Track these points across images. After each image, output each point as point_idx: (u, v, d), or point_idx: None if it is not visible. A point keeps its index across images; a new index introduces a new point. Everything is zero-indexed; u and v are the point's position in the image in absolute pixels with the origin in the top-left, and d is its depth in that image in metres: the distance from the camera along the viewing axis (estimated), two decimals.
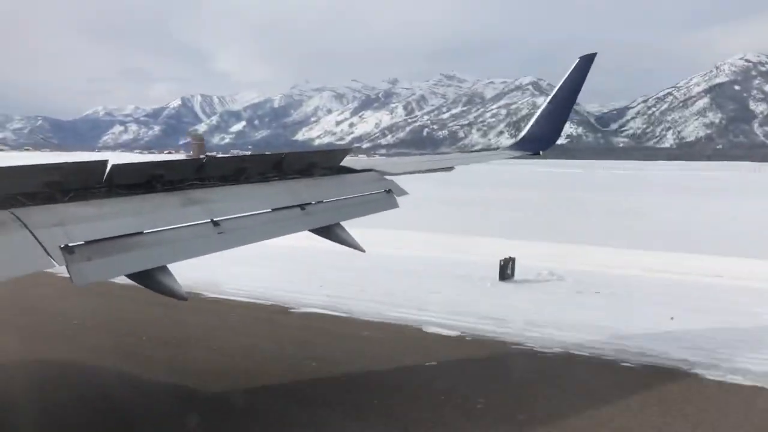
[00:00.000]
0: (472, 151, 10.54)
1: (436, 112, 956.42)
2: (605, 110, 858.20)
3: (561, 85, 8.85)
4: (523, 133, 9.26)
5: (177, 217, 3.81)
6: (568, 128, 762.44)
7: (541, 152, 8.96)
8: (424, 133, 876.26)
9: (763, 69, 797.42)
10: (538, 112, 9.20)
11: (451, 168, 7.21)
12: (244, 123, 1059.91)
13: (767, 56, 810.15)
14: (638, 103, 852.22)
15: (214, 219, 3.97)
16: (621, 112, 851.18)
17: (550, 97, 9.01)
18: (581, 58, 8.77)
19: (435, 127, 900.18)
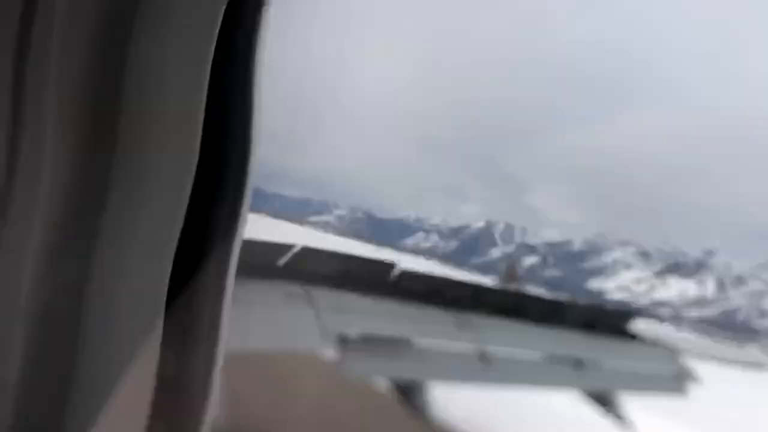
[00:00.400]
0: None
1: (757, 297, 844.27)
2: None
3: None
4: None
5: (448, 336, 3.82)
6: None
7: None
8: (740, 318, 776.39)
9: None
10: None
11: (763, 365, 6.15)
12: (537, 258, 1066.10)
13: None
14: None
15: (484, 350, 3.89)
16: None
17: None
18: None
19: (754, 313, 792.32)
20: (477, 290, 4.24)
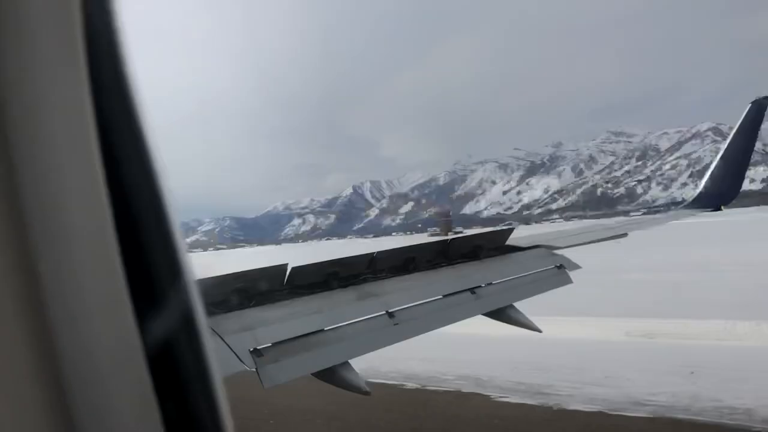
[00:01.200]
0: (647, 215, 9.93)
1: (607, 171, 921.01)
2: None
3: (734, 135, 8.19)
4: (699, 189, 8.62)
5: (354, 311, 3.98)
6: (762, 172, 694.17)
7: (722, 207, 8.26)
8: (598, 193, 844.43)
9: None
10: (713, 165, 8.55)
11: (624, 235, 6.85)
12: (412, 203, 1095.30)
13: None
14: None
15: (389, 311, 4.09)
16: None
17: (723, 149, 8.35)
18: (752, 103, 8.08)
19: (609, 185, 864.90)
20: (365, 259, 4.40)
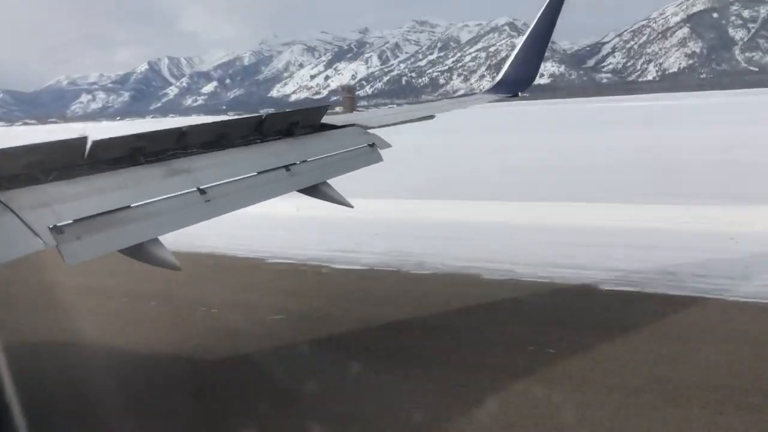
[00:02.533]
0: (452, 98, 10.58)
1: (412, 60, 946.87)
2: (577, 47, 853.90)
3: (535, 24, 8.89)
4: (500, 76, 9.35)
5: (163, 188, 3.85)
6: (550, 67, 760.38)
7: (519, 93, 9.09)
8: (403, 82, 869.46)
9: None
10: (514, 53, 9.27)
11: (431, 116, 7.26)
12: (215, 83, 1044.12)
13: None
14: (612, 38, 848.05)
15: (200, 187, 4.01)
16: (594, 48, 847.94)
17: (524, 37, 9.07)
18: None
19: (413, 75, 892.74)
20: (174, 133, 4.21)
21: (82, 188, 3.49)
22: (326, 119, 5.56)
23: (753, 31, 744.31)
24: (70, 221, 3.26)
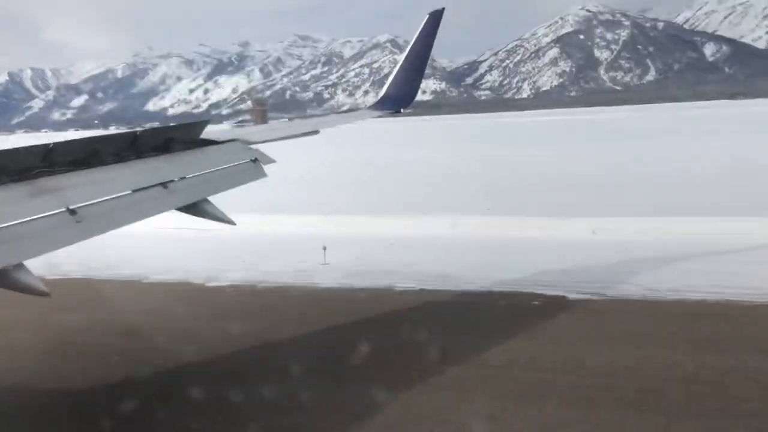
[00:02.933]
0: (336, 113, 10.83)
1: (295, 74, 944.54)
2: (455, 65, 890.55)
3: (413, 43, 9.26)
4: (382, 93, 9.64)
5: (28, 208, 3.62)
6: (432, 84, 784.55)
7: (402, 110, 9.41)
8: (287, 96, 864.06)
9: (603, 18, 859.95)
10: (395, 71, 9.59)
11: (316, 132, 7.31)
12: (86, 96, 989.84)
13: (604, 6, 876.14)
14: (488, 57, 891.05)
15: (70, 207, 3.81)
16: (472, 66, 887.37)
17: (404, 56, 9.43)
18: (430, 14, 9.19)
19: (297, 89, 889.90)
20: (40, 150, 3.98)
21: None
22: (207, 134, 5.46)
23: (615, 52, 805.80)
24: None
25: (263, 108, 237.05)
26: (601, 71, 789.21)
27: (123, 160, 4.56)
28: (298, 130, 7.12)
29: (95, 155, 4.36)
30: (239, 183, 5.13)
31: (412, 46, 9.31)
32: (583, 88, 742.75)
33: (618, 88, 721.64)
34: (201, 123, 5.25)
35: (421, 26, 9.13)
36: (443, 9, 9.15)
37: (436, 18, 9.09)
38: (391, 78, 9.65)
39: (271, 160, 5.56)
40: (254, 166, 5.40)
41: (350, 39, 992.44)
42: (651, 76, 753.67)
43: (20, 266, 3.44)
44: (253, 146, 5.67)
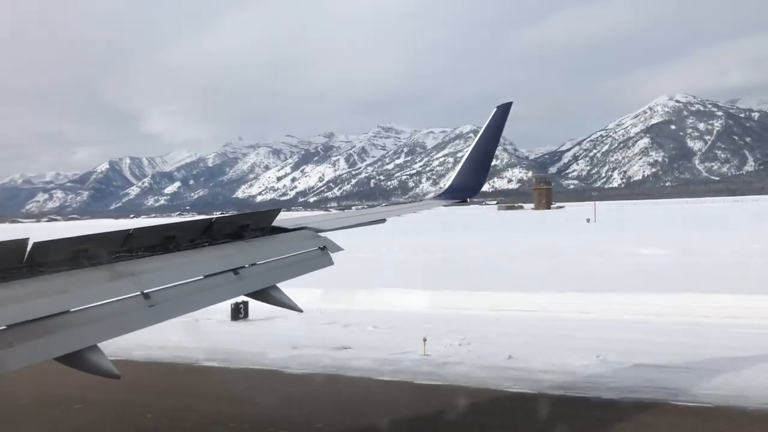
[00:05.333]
0: (404, 203, 11.06)
1: (379, 163, 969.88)
2: (534, 155, 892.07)
3: (481, 135, 9.45)
4: (449, 183, 9.78)
5: (105, 292, 3.80)
6: (518, 173, 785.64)
7: (468, 200, 9.50)
8: (372, 185, 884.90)
9: (693, 109, 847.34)
10: (461, 162, 9.76)
11: (383, 220, 7.43)
12: (178, 184, 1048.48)
13: (693, 97, 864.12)
14: (572, 146, 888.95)
15: (144, 291, 3.98)
16: (552, 155, 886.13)
17: (471, 147, 9.59)
18: (498, 107, 9.39)
19: (381, 177, 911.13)
20: (119, 235, 4.22)
21: (19, 292, 3.42)
22: (278, 222, 5.65)
23: (710, 142, 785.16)
24: (3, 327, 3.18)
25: (548, 187, 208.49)
26: (696, 161, 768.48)
27: (197, 246, 4.78)
28: (366, 218, 7.27)
29: (171, 241, 4.59)
30: (307, 270, 5.24)
31: (479, 138, 9.51)
32: (678, 179, 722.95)
33: (715, 178, 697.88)
34: (273, 211, 5.46)
35: (489, 118, 9.34)
36: (511, 102, 9.35)
37: (504, 111, 9.29)
38: (458, 168, 9.83)
39: (339, 248, 5.67)
40: (322, 254, 5.52)
41: (432, 130, 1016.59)
42: (750, 166, 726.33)
43: (94, 348, 3.60)
44: (322, 234, 5.82)
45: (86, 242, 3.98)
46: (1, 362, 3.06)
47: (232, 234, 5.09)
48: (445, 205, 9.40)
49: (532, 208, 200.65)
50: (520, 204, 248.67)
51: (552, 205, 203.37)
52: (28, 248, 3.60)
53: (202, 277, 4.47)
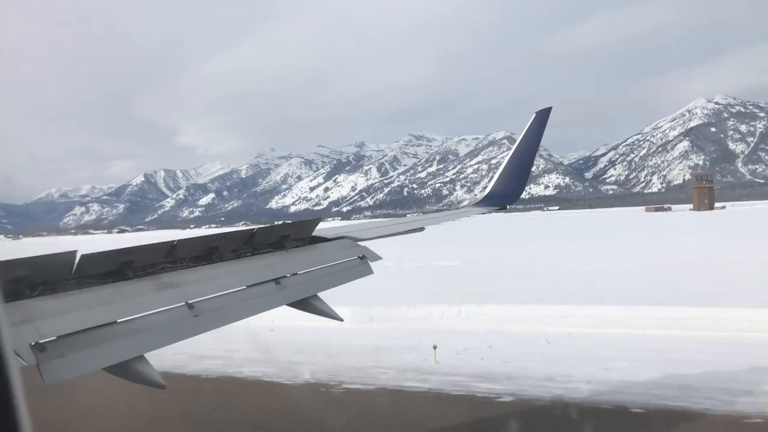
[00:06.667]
0: (442, 211, 11.01)
1: (411, 171, 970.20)
2: (568, 161, 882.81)
3: (520, 141, 9.40)
4: (488, 190, 9.74)
5: (150, 303, 3.88)
6: (555, 179, 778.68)
7: (507, 207, 9.45)
8: (405, 193, 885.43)
9: (733, 111, 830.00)
10: (501, 168, 9.72)
11: (422, 229, 7.44)
12: (212, 195, 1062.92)
13: (733, 98, 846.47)
14: (606, 151, 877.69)
15: (189, 302, 4.05)
16: (587, 161, 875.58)
17: (511, 153, 9.55)
18: (537, 113, 9.34)
19: (414, 186, 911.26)
20: (164, 247, 4.31)
21: (68, 303, 3.51)
22: (318, 231, 5.71)
23: (753, 144, 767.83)
24: (54, 338, 3.26)
25: (711, 185, 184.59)
26: (738, 164, 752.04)
27: (240, 256, 4.85)
28: (404, 227, 7.28)
29: (214, 251, 4.67)
30: (347, 280, 5.27)
31: (518, 144, 9.47)
32: (720, 182, 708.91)
33: (760, 180, 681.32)
34: (313, 221, 5.51)
35: (528, 124, 9.29)
36: (550, 108, 9.29)
37: (543, 116, 9.24)
38: (497, 175, 9.79)
39: (377, 257, 5.70)
40: (362, 263, 5.55)
41: (465, 137, 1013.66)
42: None
43: (141, 358, 3.67)
44: (361, 243, 5.85)
45: (132, 254, 4.07)
46: (54, 372, 3.14)
47: (273, 244, 5.15)
48: (483, 213, 9.36)
49: (690, 209, 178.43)
50: (668, 205, 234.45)
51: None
52: (77, 260, 3.69)
53: (244, 287, 4.53)
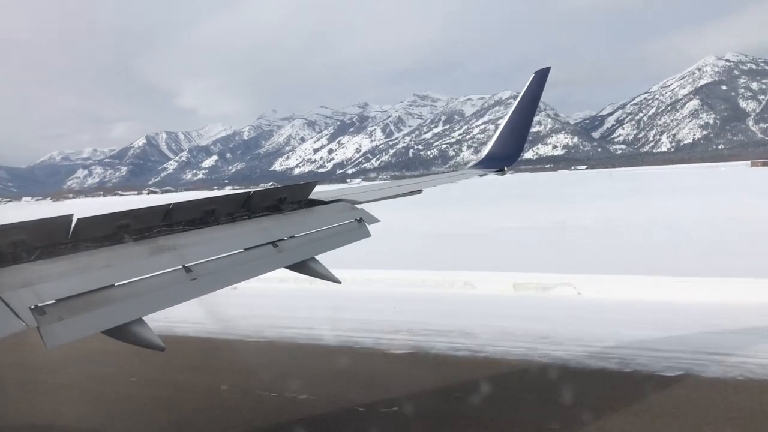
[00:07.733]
0: (439, 173, 10.89)
1: (417, 132, 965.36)
2: (574, 120, 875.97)
3: (519, 101, 9.30)
4: (486, 152, 9.67)
5: (148, 266, 3.93)
6: (563, 138, 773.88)
7: (506, 168, 9.39)
8: (410, 154, 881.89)
9: (745, 68, 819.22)
10: (498, 130, 9.63)
11: (419, 191, 7.45)
12: (215, 157, 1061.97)
13: (745, 55, 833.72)
14: (613, 110, 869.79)
15: (186, 265, 4.10)
16: (594, 120, 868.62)
17: (508, 115, 9.45)
18: (536, 73, 9.23)
19: (420, 147, 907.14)
20: (160, 210, 4.34)
21: (66, 267, 3.56)
22: (315, 194, 5.73)
23: (765, 102, 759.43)
24: (53, 301, 3.31)
25: None
26: (750, 123, 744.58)
27: (236, 219, 4.89)
28: (402, 189, 7.29)
29: (211, 215, 4.70)
30: (345, 242, 5.30)
31: (517, 105, 9.37)
32: (731, 141, 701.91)
33: None
34: (310, 183, 5.52)
35: (527, 85, 9.19)
36: (549, 68, 9.18)
37: (542, 77, 9.13)
38: (495, 136, 9.71)
39: (375, 220, 5.73)
40: (359, 226, 5.58)
41: (470, 97, 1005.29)
42: None
43: (140, 321, 3.74)
44: (358, 206, 5.87)
45: (128, 217, 4.11)
46: (54, 336, 3.19)
47: (270, 207, 5.18)
48: (481, 175, 9.31)
49: None
50: None
51: None
52: (73, 224, 3.73)
53: (241, 250, 4.57)
